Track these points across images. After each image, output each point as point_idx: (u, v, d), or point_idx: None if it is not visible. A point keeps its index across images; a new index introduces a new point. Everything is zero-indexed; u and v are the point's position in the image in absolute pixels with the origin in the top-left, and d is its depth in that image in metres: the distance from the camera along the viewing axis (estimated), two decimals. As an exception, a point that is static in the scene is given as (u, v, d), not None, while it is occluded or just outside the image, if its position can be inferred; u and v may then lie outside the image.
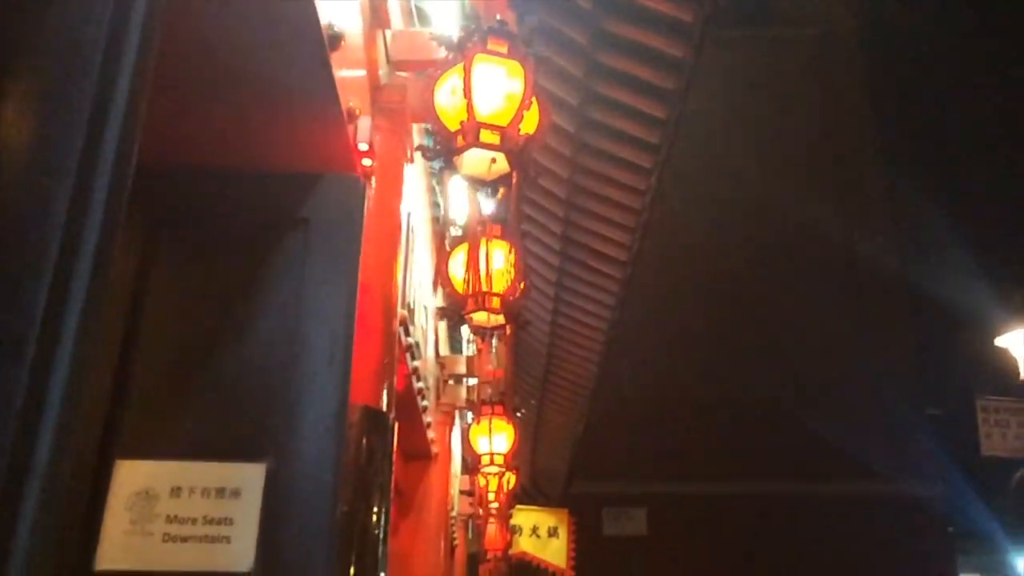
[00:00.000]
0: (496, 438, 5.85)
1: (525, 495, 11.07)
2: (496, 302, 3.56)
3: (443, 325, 6.55)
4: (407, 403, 5.13)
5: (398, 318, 3.25)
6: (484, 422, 5.87)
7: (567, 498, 10.71)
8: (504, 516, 7.60)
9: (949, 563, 22.46)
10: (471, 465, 5.83)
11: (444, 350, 6.71)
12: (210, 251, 2.62)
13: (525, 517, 10.07)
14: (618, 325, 8.07)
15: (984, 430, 9.38)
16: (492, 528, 8.96)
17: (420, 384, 5.14)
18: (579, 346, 8.29)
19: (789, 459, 21.59)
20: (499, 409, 5.95)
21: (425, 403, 5.42)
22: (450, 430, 6.58)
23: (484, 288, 3.62)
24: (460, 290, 3.69)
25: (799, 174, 17.76)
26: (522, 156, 2.65)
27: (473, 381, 6.75)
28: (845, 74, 19.73)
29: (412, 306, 4.52)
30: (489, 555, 8.94)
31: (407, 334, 4.41)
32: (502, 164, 2.77)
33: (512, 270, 3.68)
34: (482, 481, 5.92)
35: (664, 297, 19.35)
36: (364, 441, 2.76)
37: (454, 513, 8.60)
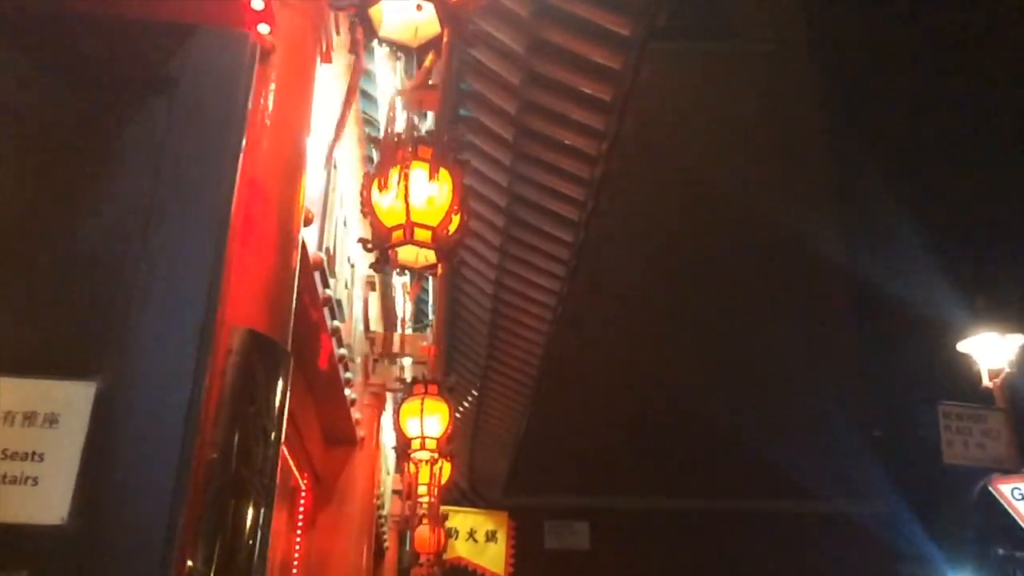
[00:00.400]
0: (428, 420, 5.24)
1: (463, 499, 10.45)
2: (426, 235, 3.03)
3: (375, 297, 5.94)
4: (328, 375, 4.52)
5: (300, 242, 2.65)
6: (415, 401, 5.27)
7: (508, 507, 10.13)
8: (437, 516, 6.97)
9: (892, 581, 22.41)
10: (399, 451, 5.21)
11: (376, 326, 6.09)
12: (42, 113, 2.00)
13: (462, 520, 9.44)
14: (566, 299, 7.59)
15: (946, 437, 9.03)
16: (424, 530, 8.33)
17: (343, 351, 4.52)
18: (524, 327, 7.76)
19: (732, 477, 21.34)
20: (433, 388, 5.35)
21: (349, 375, 4.80)
22: (380, 415, 5.95)
23: (413, 219, 3.08)
24: (386, 221, 3.15)
25: (749, 176, 17.51)
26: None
27: (408, 362, 6.15)
28: (798, 83, 19.57)
29: (332, 251, 3.92)
30: (422, 559, 8.29)
31: (325, 284, 3.80)
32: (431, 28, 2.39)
33: (448, 200, 3.14)
34: (411, 468, 5.30)
35: (605, 315, 19.00)
36: (246, 373, 2.16)
37: (384, 512, 7.94)
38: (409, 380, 5.46)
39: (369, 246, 3.11)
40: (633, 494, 22.38)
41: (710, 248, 19.21)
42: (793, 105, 18.84)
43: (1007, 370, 9.76)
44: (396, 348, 5.95)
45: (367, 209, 3.15)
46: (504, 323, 8.06)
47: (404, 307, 6.41)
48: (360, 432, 5.59)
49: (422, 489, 5.84)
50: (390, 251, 3.14)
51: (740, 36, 18.72)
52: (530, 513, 17.75)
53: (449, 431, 5.32)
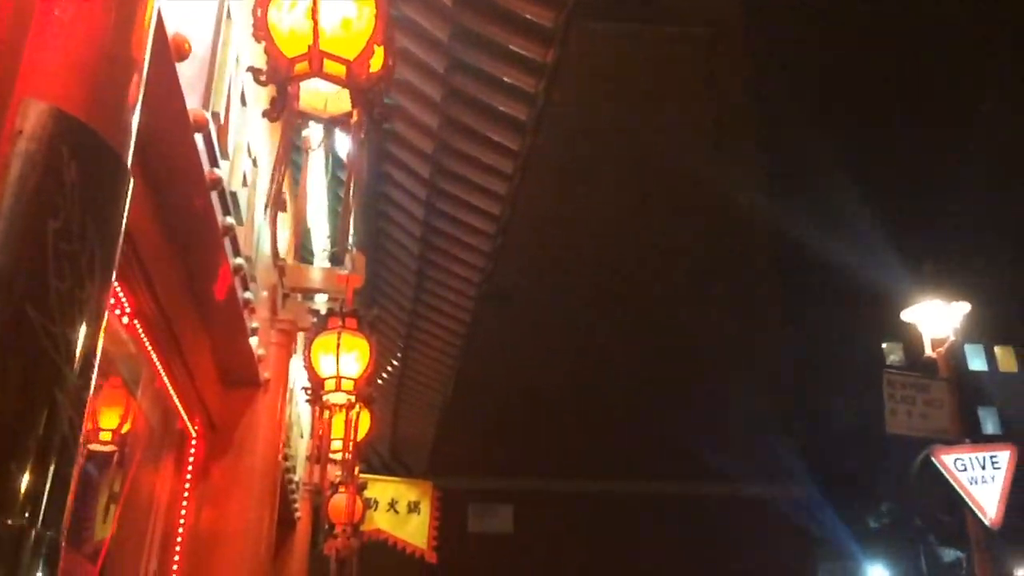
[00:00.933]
0: (345, 358, 4.48)
1: (384, 470, 9.68)
2: (339, 68, 2.34)
3: (285, 219, 5.13)
4: (221, 287, 3.72)
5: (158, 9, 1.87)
6: (330, 336, 4.50)
7: (432, 478, 9.42)
8: (353, 477, 6.18)
9: (807, 565, 22.51)
10: (311, 393, 4.43)
11: (288, 257, 5.28)
12: None
13: (382, 489, 8.65)
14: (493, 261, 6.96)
15: (889, 406, 8.65)
16: (341, 498, 7.54)
17: (240, 261, 3.72)
18: (452, 276, 7.06)
19: (657, 460, 21.10)
20: (351, 322, 4.58)
21: (248, 295, 4.00)
22: (289, 357, 5.14)
23: (323, 47, 2.32)
24: (286, 50, 2.37)
25: (680, 140, 17.16)
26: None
27: (323, 299, 5.35)
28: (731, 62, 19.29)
29: (223, 123, 3.11)
30: (337, 529, 7.50)
31: (213, 161, 3.00)
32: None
33: (370, 27, 2.39)
34: (324, 415, 4.53)
35: (532, 290, 18.52)
36: (47, 170, 1.39)
37: (295, 477, 7.13)
38: (324, 313, 4.68)
39: (263, 78, 2.34)
40: (557, 477, 21.98)
41: (642, 217, 18.86)
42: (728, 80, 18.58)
43: (951, 339, 9.46)
44: (309, 282, 5.16)
45: (262, 32, 2.39)
46: (432, 271, 7.35)
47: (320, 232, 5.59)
48: (264, 373, 4.79)
49: (336, 444, 5.06)
50: (290, 88, 2.39)
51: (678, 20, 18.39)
52: (454, 495, 17.07)
53: (369, 371, 4.56)
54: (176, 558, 4.24)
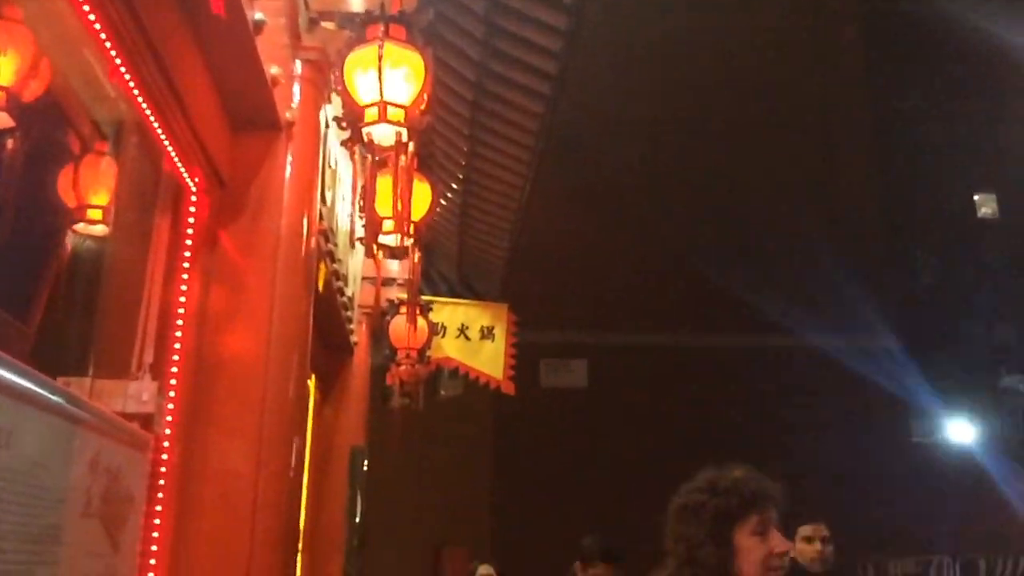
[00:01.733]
0: (392, 76, 3.20)
1: (451, 295, 8.58)
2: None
3: None
4: (227, 19, 2.43)
5: None
6: (370, 49, 3.21)
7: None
8: (414, 286, 5.00)
9: (889, 421, 21.38)
10: (348, 126, 3.19)
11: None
12: None
13: (450, 313, 7.55)
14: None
15: None
16: (402, 320, 6.48)
17: None
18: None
19: (736, 310, 19.89)
20: (398, 30, 3.27)
21: (258, 15, 2.74)
22: (319, 96, 3.89)
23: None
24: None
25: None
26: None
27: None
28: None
29: None
30: (400, 355, 6.46)
31: None
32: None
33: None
34: (366, 160, 3.29)
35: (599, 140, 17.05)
36: None
37: (347, 291, 6.04)
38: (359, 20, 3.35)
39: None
40: (633, 331, 21.11)
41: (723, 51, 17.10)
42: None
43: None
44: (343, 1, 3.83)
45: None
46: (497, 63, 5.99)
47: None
48: (287, 114, 3.56)
49: (384, 211, 3.83)
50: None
51: None
52: (526, 350, 16.21)
53: (426, 96, 3.29)
54: (177, 345, 3.16)
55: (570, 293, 20.43)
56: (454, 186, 7.49)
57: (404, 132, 3.21)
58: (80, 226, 3.68)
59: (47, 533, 2.12)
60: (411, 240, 4.10)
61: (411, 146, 3.27)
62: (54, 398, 2.16)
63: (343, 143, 3.37)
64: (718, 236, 19.57)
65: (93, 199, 3.64)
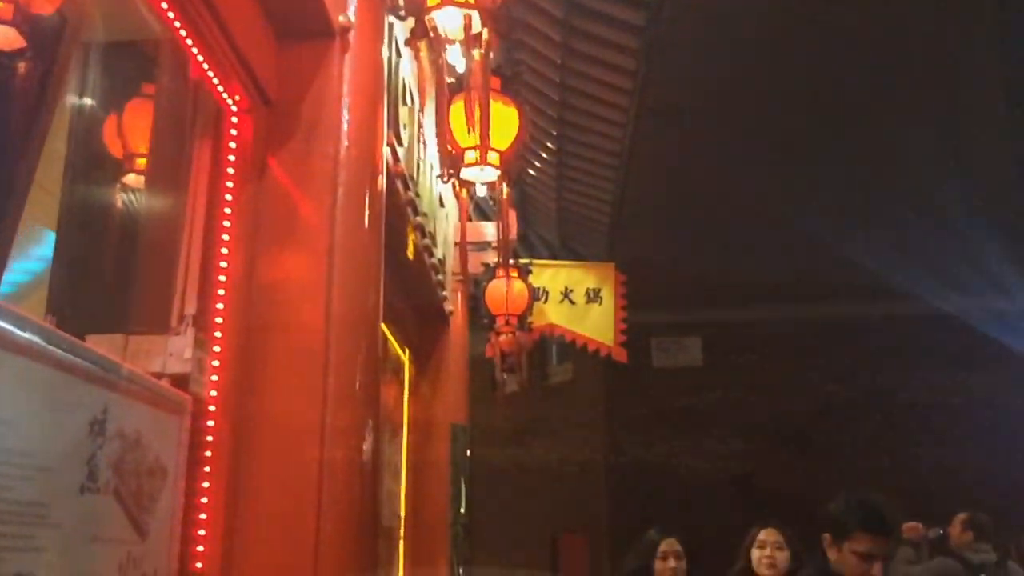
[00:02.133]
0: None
1: (552, 258, 7.92)
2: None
3: None
4: None
5: None
6: None
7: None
8: (509, 224, 4.38)
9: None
10: (411, 6, 2.59)
11: None
12: None
13: (552, 275, 6.89)
14: None
15: None
16: (499, 284, 5.89)
17: None
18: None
19: (861, 278, 18.51)
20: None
21: None
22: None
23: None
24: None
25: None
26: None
27: None
28: None
29: None
30: (499, 322, 5.86)
31: None
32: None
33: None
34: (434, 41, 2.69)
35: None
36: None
37: (437, 253, 5.48)
38: None
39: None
40: (750, 306, 20.02)
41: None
42: None
43: None
44: None
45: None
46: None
47: None
48: (340, 18, 2.99)
49: (465, 140, 3.22)
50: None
51: None
52: (635, 329, 15.41)
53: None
54: (221, 291, 2.63)
55: (679, 269, 19.51)
56: (552, 132, 6.82)
57: (474, 14, 2.59)
58: (130, 178, 3.24)
59: (18, 509, 1.60)
60: (497, 173, 3.50)
61: (484, 34, 2.64)
62: (23, 334, 1.64)
63: (407, 41, 2.77)
64: (837, 204, 18.30)
65: (141, 147, 3.18)
